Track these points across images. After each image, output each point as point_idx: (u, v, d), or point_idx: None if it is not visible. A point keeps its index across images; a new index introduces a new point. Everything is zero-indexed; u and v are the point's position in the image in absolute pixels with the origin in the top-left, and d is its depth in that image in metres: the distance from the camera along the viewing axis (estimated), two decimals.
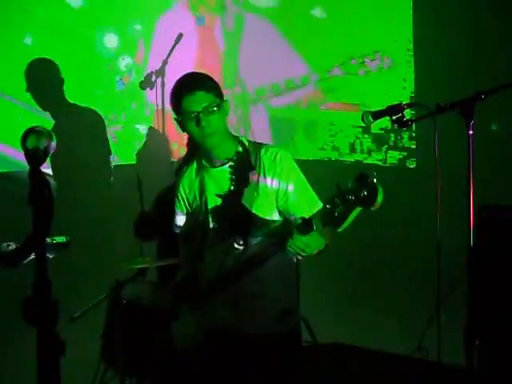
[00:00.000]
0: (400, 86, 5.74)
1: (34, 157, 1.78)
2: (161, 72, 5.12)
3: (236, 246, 2.63)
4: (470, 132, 2.39)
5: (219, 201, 2.69)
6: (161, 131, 5.29)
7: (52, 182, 5.16)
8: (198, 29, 6.01)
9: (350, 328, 4.42)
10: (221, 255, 2.68)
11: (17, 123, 5.32)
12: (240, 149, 2.71)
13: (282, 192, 2.64)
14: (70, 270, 4.42)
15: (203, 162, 2.75)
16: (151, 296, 3.58)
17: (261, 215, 2.63)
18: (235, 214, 2.64)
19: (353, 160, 5.95)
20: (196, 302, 2.76)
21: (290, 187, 2.63)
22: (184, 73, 2.71)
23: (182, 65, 5.69)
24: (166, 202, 3.92)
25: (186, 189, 2.84)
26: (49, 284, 1.77)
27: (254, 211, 2.60)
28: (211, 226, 2.73)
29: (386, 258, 5.37)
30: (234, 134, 2.76)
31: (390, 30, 5.74)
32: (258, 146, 2.71)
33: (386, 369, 3.58)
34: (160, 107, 5.14)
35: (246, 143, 2.72)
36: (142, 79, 5.18)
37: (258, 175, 2.65)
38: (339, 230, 2.20)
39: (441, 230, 2.65)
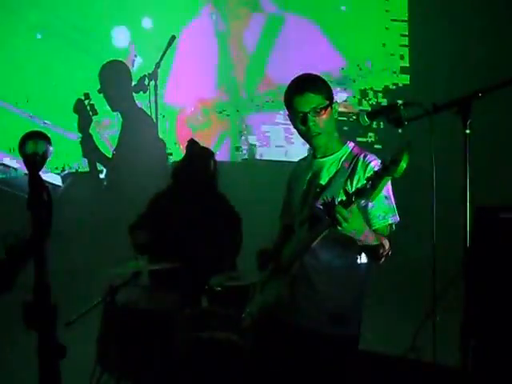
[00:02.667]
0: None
1: (33, 162, 1.80)
2: (153, 75, 5.13)
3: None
4: (467, 131, 2.38)
5: (310, 187, 2.83)
6: (155, 133, 5.30)
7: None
8: (221, 32, 6.01)
9: None
10: (295, 239, 2.82)
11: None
12: (344, 149, 2.84)
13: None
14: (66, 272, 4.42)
15: (309, 156, 2.95)
16: (146, 300, 3.57)
17: None
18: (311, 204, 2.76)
19: None
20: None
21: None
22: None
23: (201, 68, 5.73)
24: (160, 206, 3.93)
25: (293, 177, 3.01)
26: (48, 289, 1.80)
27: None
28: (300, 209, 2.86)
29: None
30: (343, 139, 2.89)
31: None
32: (361, 151, 2.83)
33: (379, 370, 3.57)
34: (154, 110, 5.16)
35: (351, 147, 2.86)
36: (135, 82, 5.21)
37: (348, 175, 2.76)
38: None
39: (437, 230, 2.64)
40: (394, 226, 2.80)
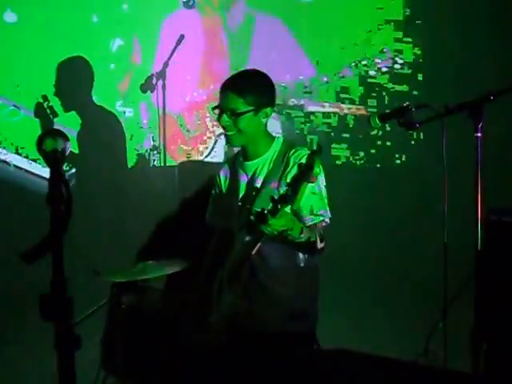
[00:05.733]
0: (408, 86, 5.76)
1: (54, 158, 1.86)
2: (162, 74, 5.09)
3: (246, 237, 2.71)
4: (479, 134, 2.36)
5: (247, 192, 2.82)
6: (162, 134, 5.27)
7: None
8: (203, 29, 5.98)
9: (352, 333, 4.39)
10: (238, 245, 2.81)
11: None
12: (273, 148, 2.82)
13: None
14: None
15: (240, 156, 2.91)
16: (153, 301, 3.55)
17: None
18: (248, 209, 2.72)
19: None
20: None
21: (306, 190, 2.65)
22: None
23: (187, 66, 5.70)
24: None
25: (222, 178, 2.99)
26: (65, 282, 1.87)
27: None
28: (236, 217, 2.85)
29: (391, 261, 5.35)
30: (272, 135, 2.87)
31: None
32: (291, 146, 2.82)
33: (389, 375, 3.56)
34: (161, 110, 5.13)
35: (280, 143, 2.84)
36: (143, 82, 5.18)
37: (281, 173, 2.75)
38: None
39: (449, 233, 2.62)
40: (328, 220, 2.75)
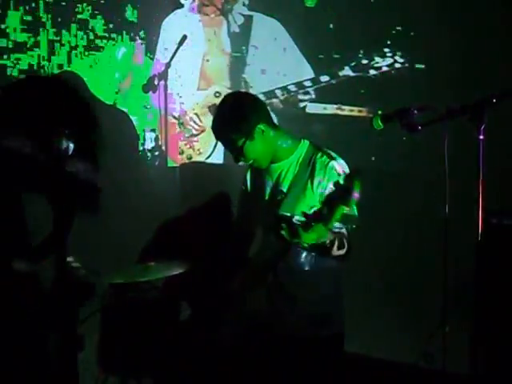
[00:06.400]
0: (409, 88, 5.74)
1: (57, 158, 1.86)
2: (164, 75, 5.08)
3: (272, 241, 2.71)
4: (481, 137, 2.35)
5: (273, 195, 2.81)
6: (163, 135, 5.27)
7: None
8: (204, 30, 5.98)
9: (352, 333, 4.38)
10: (263, 248, 2.84)
11: None
12: (298, 151, 2.81)
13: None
14: None
15: None
16: (152, 300, 3.54)
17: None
18: (275, 212, 2.74)
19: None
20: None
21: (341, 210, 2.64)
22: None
23: (187, 67, 5.70)
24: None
25: (248, 179, 2.99)
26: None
27: (299, 210, 2.62)
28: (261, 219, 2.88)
29: (392, 263, 5.34)
30: (296, 137, 2.85)
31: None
32: (317, 149, 2.79)
33: (389, 377, 3.55)
34: (163, 111, 5.13)
35: (306, 146, 2.81)
36: (145, 82, 5.17)
37: (308, 177, 2.73)
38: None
39: (450, 235, 2.62)
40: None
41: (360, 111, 5.95)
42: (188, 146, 5.85)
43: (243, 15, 5.95)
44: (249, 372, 2.82)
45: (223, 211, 3.81)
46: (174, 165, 5.75)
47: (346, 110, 5.99)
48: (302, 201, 2.69)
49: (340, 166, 2.71)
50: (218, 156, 5.77)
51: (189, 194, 5.19)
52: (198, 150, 5.83)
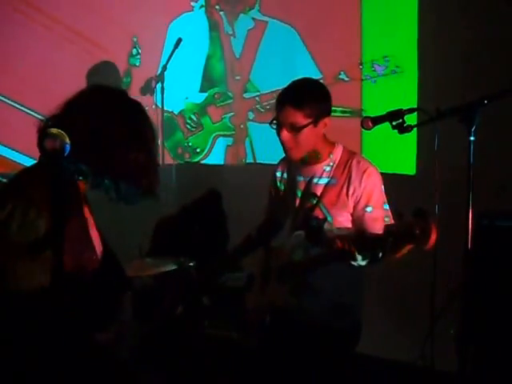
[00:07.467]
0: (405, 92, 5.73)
1: (54, 157, 1.86)
2: (160, 77, 5.11)
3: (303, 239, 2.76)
4: (472, 138, 2.36)
5: (305, 196, 2.82)
6: (160, 135, 5.29)
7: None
8: (209, 33, 6.00)
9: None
10: (291, 244, 2.82)
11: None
12: (333, 155, 2.79)
13: (359, 206, 2.72)
14: None
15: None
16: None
17: (336, 219, 2.71)
18: (311, 213, 2.76)
19: None
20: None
21: (369, 207, 2.71)
22: None
23: (187, 68, 5.71)
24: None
25: (278, 177, 3.00)
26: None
27: (331, 214, 2.62)
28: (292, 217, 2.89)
29: (391, 264, 5.34)
30: (331, 142, 2.83)
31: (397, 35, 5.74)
32: (352, 155, 2.79)
33: (387, 376, 3.56)
34: (160, 112, 5.14)
35: (340, 151, 2.81)
36: (142, 85, 5.20)
37: (343, 183, 2.73)
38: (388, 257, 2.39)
39: (440, 236, 2.64)
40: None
41: (359, 113, 5.96)
42: (185, 147, 5.86)
43: (257, 20, 5.95)
44: (271, 364, 2.87)
45: (213, 209, 3.84)
46: (171, 163, 5.75)
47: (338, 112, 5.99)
48: (335, 207, 2.69)
49: (377, 175, 2.73)
50: (213, 155, 5.78)
51: (184, 192, 5.20)
52: (195, 150, 5.84)
